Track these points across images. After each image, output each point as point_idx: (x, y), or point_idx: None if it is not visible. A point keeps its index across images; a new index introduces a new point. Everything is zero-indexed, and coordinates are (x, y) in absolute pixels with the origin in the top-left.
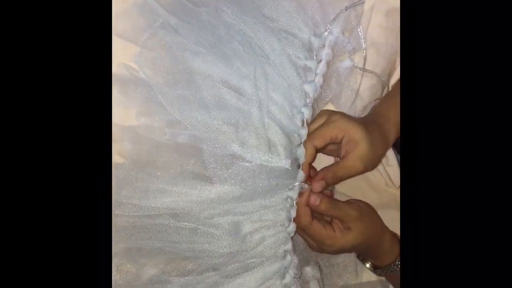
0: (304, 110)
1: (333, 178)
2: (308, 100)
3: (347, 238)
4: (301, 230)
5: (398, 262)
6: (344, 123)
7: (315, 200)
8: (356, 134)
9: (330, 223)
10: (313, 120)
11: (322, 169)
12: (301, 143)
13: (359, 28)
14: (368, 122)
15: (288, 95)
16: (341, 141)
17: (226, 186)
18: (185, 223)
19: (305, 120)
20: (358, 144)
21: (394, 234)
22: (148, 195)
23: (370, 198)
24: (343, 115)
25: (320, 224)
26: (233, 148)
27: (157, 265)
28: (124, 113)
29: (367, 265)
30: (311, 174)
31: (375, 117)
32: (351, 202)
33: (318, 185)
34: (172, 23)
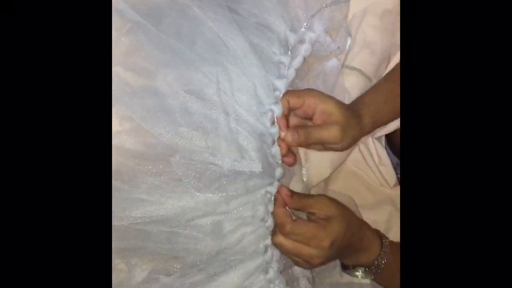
0: (273, 107)
1: (305, 135)
2: (277, 93)
3: (333, 227)
4: (285, 239)
5: (382, 254)
6: (320, 94)
7: (292, 135)
8: (331, 106)
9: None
10: None
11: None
12: (275, 142)
13: (346, 27)
14: (346, 104)
15: (254, 95)
16: (314, 113)
17: (202, 195)
18: (167, 227)
19: (275, 117)
20: (333, 114)
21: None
22: (127, 206)
23: (365, 197)
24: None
25: (302, 220)
26: (204, 156)
27: (147, 265)
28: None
29: (359, 272)
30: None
31: (353, 102)
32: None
33: (290, 135)
34: (142, 27)
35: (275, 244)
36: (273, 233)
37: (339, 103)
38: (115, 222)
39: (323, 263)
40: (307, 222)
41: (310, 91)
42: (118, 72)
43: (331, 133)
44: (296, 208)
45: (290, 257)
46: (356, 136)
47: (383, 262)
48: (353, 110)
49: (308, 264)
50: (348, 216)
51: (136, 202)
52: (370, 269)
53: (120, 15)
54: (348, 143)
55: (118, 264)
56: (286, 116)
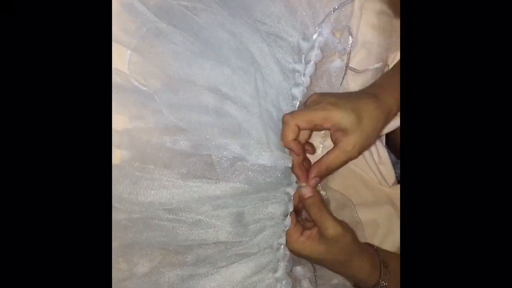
0: None
1: (327, 170)
2: (295, 102)
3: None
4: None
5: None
6: (332, 111)
7: (310, 192)
8: (345, 123)
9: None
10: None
11: (315, 163)
12: None
13: (348, 27)
14: (363, 99)
15: (275, 101)
16: (329, 129)
17: (230, 184)
18: (185, 215)
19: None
20: (347, 133)
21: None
22: (148, 192)
23: (363, 196)
24: (332, 100)
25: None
26: (235, 150)
27: (152, 260)
28: (116, 119)
29: None
30: (305, 165)
31: (373, 89)
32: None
33: (313, 182)
34: (161, 28)
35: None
36: None
37: (353, 115)
38: (131, 208)
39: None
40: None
41: (323, 110)
42: (133, 70)
43: (345, 157)
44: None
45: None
46: (380, 130)
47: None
48: (377, 106)
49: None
50: (346, 247)
51: (156, 189)
52: None
53: (138, 16)
54: (367, 147)
55: (120, 262)
56: (293, 139)
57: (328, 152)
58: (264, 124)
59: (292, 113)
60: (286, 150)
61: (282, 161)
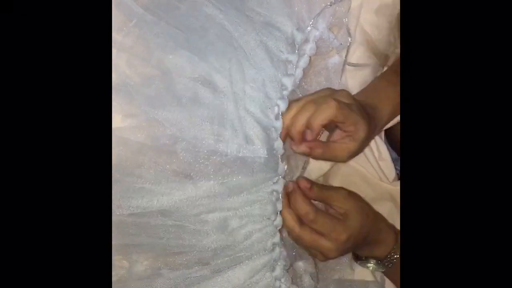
0: (280, 102)
1: (322, 154)
2: (285, 92)
3: (350, 222)
4: (303, 232)
5: (395, 248)
6: (363, 122)
7: (306, 183)
8: (361, 135)
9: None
10: (317, 92)
11: (314, 140)
12: (278, 136)
13: (346, 24)
14: (371, 119)
15: (262, 88)
16: (346, 129)
17: (206, 183)
18: (173, 221)
19: (280, 112)
20: (355, 140)
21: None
22: (131, 195)
23: (364, 192)
24: (363, 112)
25: (323, 212)
26: (210, 143)
27: (148, 261)
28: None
29: (371, 263)
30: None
31: (372, 109)
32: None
33: (303, 148)
34: (147, 20)
35: (293, 238)
36: (290, 228)
37: (368, 129)
38: (116, 211)
39: (338, 255)
40: (327, 214)
41: (355, 111)
42: (122, 65)
43: (336, 158)
44: (315, 199)
45: (307, 249)
46: (371, 136)
47: (395, 256)
48: (374, 126)
49: (324, 256)
50: (365, 210)
51: (138, 192)
52: (382, 262)
53: (126, 10)
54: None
55: (118, 261)
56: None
57: (329, 143)
58: (238, 108)
59: (340, 103)
60: (275, 141)
61: (259, 153)
